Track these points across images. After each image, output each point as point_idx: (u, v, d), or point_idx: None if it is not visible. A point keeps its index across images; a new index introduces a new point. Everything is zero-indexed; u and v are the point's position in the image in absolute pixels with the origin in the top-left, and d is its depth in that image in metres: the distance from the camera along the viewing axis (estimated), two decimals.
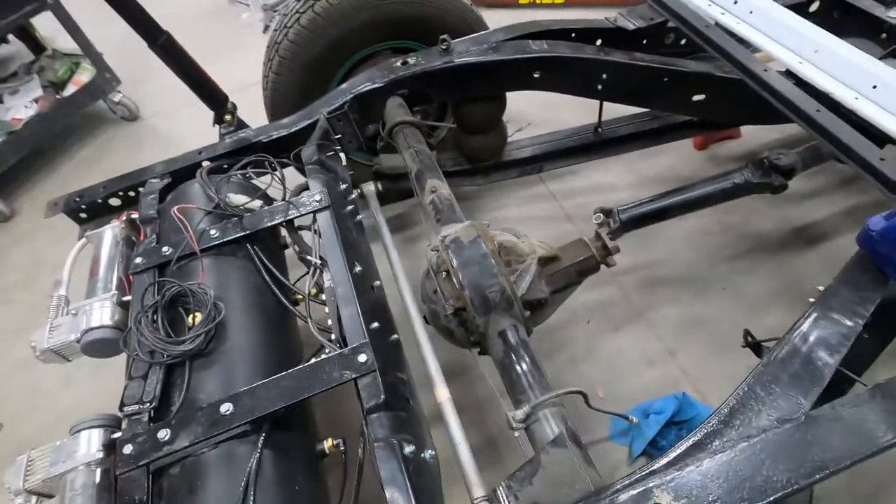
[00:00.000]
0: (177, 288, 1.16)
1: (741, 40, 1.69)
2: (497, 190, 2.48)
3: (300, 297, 1.34)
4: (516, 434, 1.19)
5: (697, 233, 2.20)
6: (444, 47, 1.68)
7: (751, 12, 1.73)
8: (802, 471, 0.78)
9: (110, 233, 1.45)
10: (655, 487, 0.80)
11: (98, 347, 1.25)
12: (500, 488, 0.99)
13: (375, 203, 1.87)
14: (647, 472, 0.83)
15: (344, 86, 1.70)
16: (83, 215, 1.68)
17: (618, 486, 0.82)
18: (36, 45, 3.22)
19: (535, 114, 2.78)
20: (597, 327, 1.98)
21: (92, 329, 1.24)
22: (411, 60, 1.68)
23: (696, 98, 1.76)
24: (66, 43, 3.15)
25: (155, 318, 1.13)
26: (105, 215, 1.70)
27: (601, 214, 1.73)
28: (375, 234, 1.80)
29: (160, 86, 2.93)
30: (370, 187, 1.93)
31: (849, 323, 0.95)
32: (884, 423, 0.81)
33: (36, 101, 2.89)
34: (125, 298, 1.27)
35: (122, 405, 1.05)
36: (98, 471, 1.02)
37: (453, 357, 1.90)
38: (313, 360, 1.07)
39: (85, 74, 3.01)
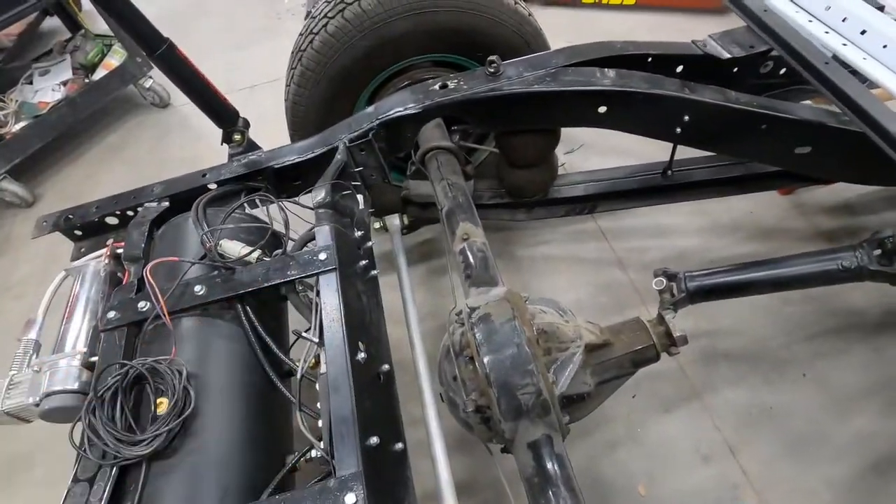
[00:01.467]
0: (140, 368, 0.96)
1: (865, 80, 1.34)
2: (539, 223, 2.20)
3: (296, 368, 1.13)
4: None
5: (774, 300, 1.85)
6: (491, 70, 1.40)
7: (885, 46, 1.37)
8: None
9: (92, 268, 1.27)
10: None
11: (60, 414, 1.07)
12: None
13: (398, 241, 1.64)
14: None
15: (370, 109, 1.45)
16: (78, 232, 1.52)
17: None
18: (73, 23, 3.12)
19: (588, 134, 2.47)
20: (643, 405, 1.70)
21: (54, 393, 1.06)
22: (451, 84, 1.42)
23: (800, 151, 1.43)
24: (101, 24, 3.03)
25: (113, 404, 0.93)
26: (103, 233, 1.53)
27: (663, 279, 1.43)
28: (392, 265, 1.57)
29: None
30: (395, 221, 1.70)
31: None
32: None
33: (64, 83, 2.79)
34: (93, 359, 1.09)
35: None
36: None
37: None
38: (286, 494, 0.85)
39: (116, 58, 2.88)
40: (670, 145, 1.55)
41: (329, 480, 0.84)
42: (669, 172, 1.72)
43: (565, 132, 2.41)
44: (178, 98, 3.18)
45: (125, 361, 0.98)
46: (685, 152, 1.74)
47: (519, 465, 1.09)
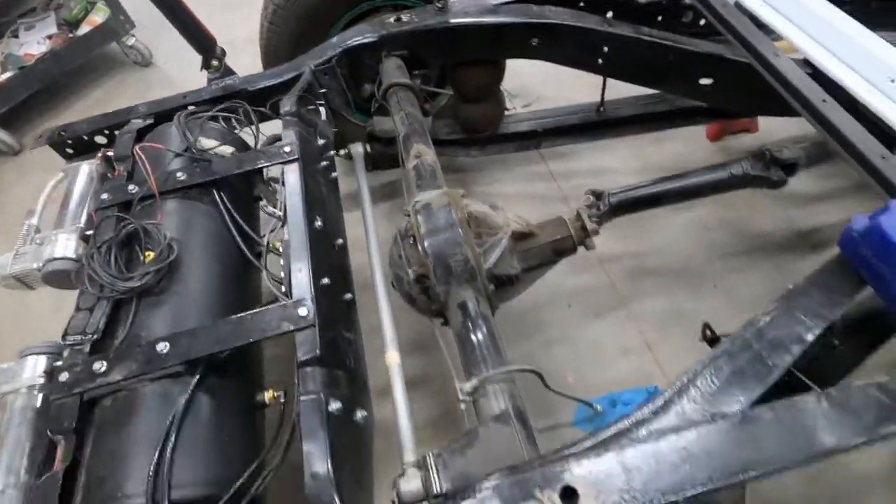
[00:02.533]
0: (132, 226, 1.15)
1: (762, 26, 1.58)
2: (495, 164, 2.41)
3: (264, 250, 1.33)
4: (462, 406, 1.17)
5: (695, 226, 2.11)
6: (440, 5, 1.61)
7: None
8: (726, 470, 0.74)
9: (86, 168, 1.45)
10: (567, 471, 0.77)
11: (59, 278, 1.26)
12: (430, 455, 0.97)
13: (361, 165, 1.84)
14: (566, 453, 0.80)
15: (334, 39, 1.64)
16: (70, 150, 1.69)
17: (534, 464, 0.79)
18: None
19: (546, 91, 2.68)
20: (577, 312, 1.94)
21: (54, 259, 1.24)
22: (405, 17, 1.62)
23: (704, 81, 1.66)
24: None
25: (108, 254, 1.13)
26: (92, 152, 1.70)
27: (591, 196, 1.66)
28: (358, 203, 1.76)
29: (174, 32, 2.92)
30: (358, 149, 1.90)
31: (809, 324, 0.89)
32: (824, 431, 0.76)
33: (49, 37, 2.91)
34: (89, 233, 1.28)
35: (64, 335, 1.06)
36: (39, 396, 1.04)
37: (423, 328, 1.88)
38: (254, 310, 1.05)
39: (99, 15, 3.01)
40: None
41: (287, 302, 1.05)
42: (602, 109, 1.94)
43: (526, 87, 2.63)
44: (160, 56, 3.32)
45: (124, 216, 1.17)
46: (621, 93, 1.98)
47: (451, 324, 1.31)
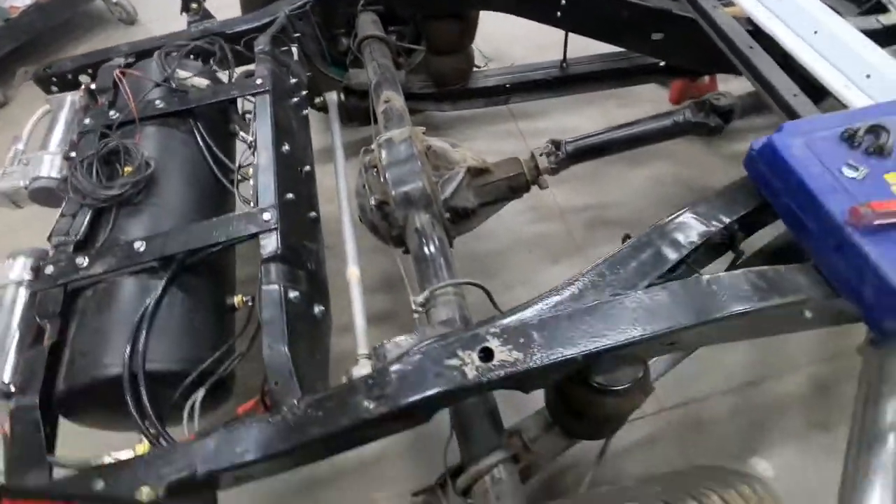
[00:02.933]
0: (113, 143, 1.26)
1: None
2: (467, 123, 2.52)
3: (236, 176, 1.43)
4: (416, 316, 1.30)
5: (652, 181, 2.24)
6: None
7: None
8: (620, 332, 0.88)
9: (70, 99, 1.54)
10: (487, 333, 0.90)
11: (44, 196, 1.36)
12: (381, 346, 1.09)
13: (334, 111, 1.94)
14: (487, 322, 0.93)
15: None
16: (55, 88, 1.77)
17: (459, 333, 0.92)
18: None
19: (523, 55, 2.78)
20: (536, 258, 2.07)
21: (39, 178, 1.34)
22: None
23: (655, 37, 1.78)
24: None
25: (90, 168, 1.23)
26: (75, 90, 1.78)
27: (550, 144, 1.78)
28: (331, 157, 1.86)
29: None
30: (333, 97, 2.00)
31: (704, 226, 1.02)
32: (707, 301, 0.90)
33: None
34: (73, 154, 1.37)
35: (50, 236, 1.16)
36: (27, 292, 1.15)
37: (388, 269, 2.00)
38: (225, 215, 1.17)
39: None
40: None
41: (253, 209, 1.16)
42: (565, 65, 2.06)
43: (496, 49, 2.71)
44: (145, 16, 3.36)
45: (106, 132, 1.27)
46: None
47: (410, 247, 1.44)
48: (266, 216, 1.14)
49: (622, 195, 2.21)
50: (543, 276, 2.02)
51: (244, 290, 1.35)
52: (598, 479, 1.30)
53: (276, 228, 1.12)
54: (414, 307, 1.28)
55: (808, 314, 0.98)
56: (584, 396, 1.02)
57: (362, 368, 1.14)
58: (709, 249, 1.11)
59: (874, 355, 1.24)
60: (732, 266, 1.24)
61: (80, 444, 1.05)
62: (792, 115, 1.24)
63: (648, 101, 2.56)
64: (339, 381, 1.03)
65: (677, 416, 1.66)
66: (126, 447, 0.98)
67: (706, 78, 2.45)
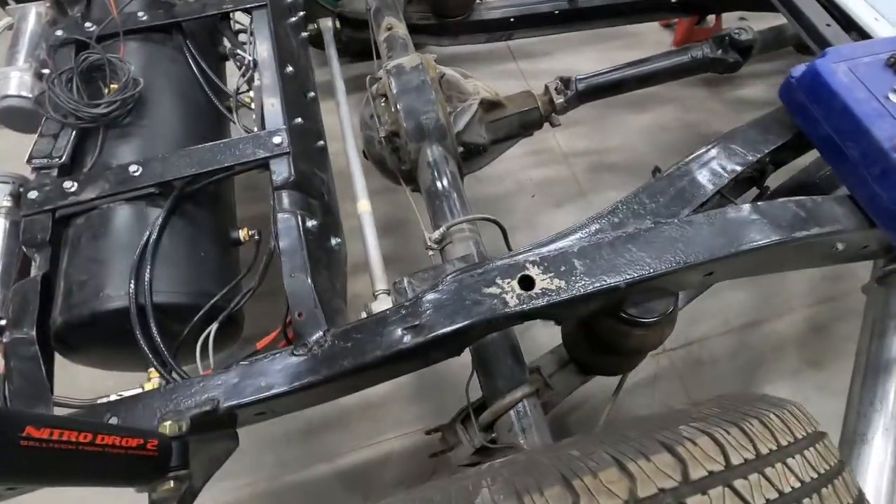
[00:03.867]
0: (95, 56, 1.12)
1: None
2: (465, 61, 2.39)
3: (233, 102, 1.31)
4: (430, 254, 1.25)
5: (655, 126, 2.20)
6: None
7: None
8: (664, 260, 0.85)
9: (35, 10, 1.36)
10: (527, 261, 0.86)
11: (15, 117, 1.21)
12: (401, 281, 1.04)
13: (329, 37, 1.79)
14: (525, 250, 0.89)
15: None
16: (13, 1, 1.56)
17: (495, 262, 0.87)
18: None
19: None
20: (540, 202, 2.03)
21: (9, 96, 1.19)
22: None
23: None
24: None
25: (70, 83, 1.09)
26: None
27: (559, 81, 1.70)
28: (328, 95, 1.73)
29: None
30: (327, 23, 1.84)
31: (741, 157, 0.99)
32: (748, 230, 0.87)
33: None
34: (45, 71, 1.22)
35: (30, 158, 1.04)
36: (7, 221, 1.04)
37: (392, 211, 1.94)
38: (226, 139, 1.06)
39: None
40: None
41: (260, 132, 1.06)
42: None
43: None
44: None
45: (86, 41, 1.12)
46: None
47: (421, 182, 1.36)
48: (277, 139, 1.04)
49: (626, 140, 2.17)
50: (546, 220, 1.98)
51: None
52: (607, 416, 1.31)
53: (287, 153, 1.03)
54: (429, 244, 1.22)
55: (839, 246, 0.97)
56: (613, 329, 1.00)
57: (382, 304, 1.09)
58: (738, 183, 1.09)
59: (880, 293, 1.27)
60: (757, 201, 1.22)
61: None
62: (823, 43, 1.19)
63: (650, 44, 2.49)
64: (357, 317, 0.99)
65: (679, 356, 1.69)
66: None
67: (711, 22, 2.38)
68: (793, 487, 0.58)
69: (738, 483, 0.56)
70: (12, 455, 0.49)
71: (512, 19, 2.02)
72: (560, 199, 2.03)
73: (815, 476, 0.62)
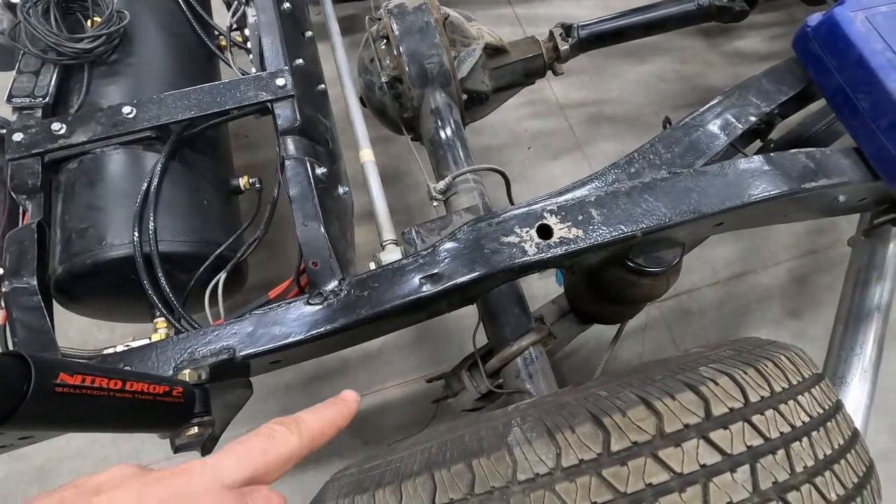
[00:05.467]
0: None
1: None
2: (459, 4, 2.28)
3: (223, 41, 1.23)
4: (435, 205, 1.23)
5: (652, 77, 2.17)
6: None
7: None
8: (679, 210, 0.85)
9: None
10: (544, 210, 0.85)
11: None
12: (409, 230, 1.02)
13: None
14: (542, 198, 0.88)
15: None
16: None
17: (512, 210, 0.87)
18: None
19: None
20: (536, 153, 2.01)
21: None
22: None
23: None
24: None
25: (46, 15, 1.00)
26: None
27: (561, 28, 1.64)
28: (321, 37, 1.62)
29: None
30: None
31: (754, 107, 0.99)
32: (759, 181, 0.88)
33: None
34: (15, 1, 1.11)
35: (10, 97, 0.97)
36: None
37: (390, 162, 1.90)
38: (224, 80, 1.00)
39: None
40: None
41: (262, 73, 1.00)
42: None
43: None
44: None
45: None
46: None
47: (423, 131, 1.32)
48: (280, 81, 0.99)
49: (623, 91, 2.14)
50: (543, 172, 1.97)
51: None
52: (596, 364, 1.37)
53: (292, 95, 0.98)
54: (434, 194, 1.21)
55: (842, 198, 1.00)
56: (620, 277, 1.02)
57: (390, 254, 1.08)
58: (746, 133, 1.09)
59: (866, 245, 1.32)
60: (760, 153, 1.23)
61: None
62: None
63: None
64: (366, 268, 0.98)
65: (668, 306, 1.75)
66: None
67: None
68: (803, 422, 0.62)
69: (756, 418, 0.59)
70: (48, 402, 0.49)
71: None
72: (556, 150, 2.01)
73: (821, 412, 0.66)
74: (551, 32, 1.52)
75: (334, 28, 1.51)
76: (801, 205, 0.99)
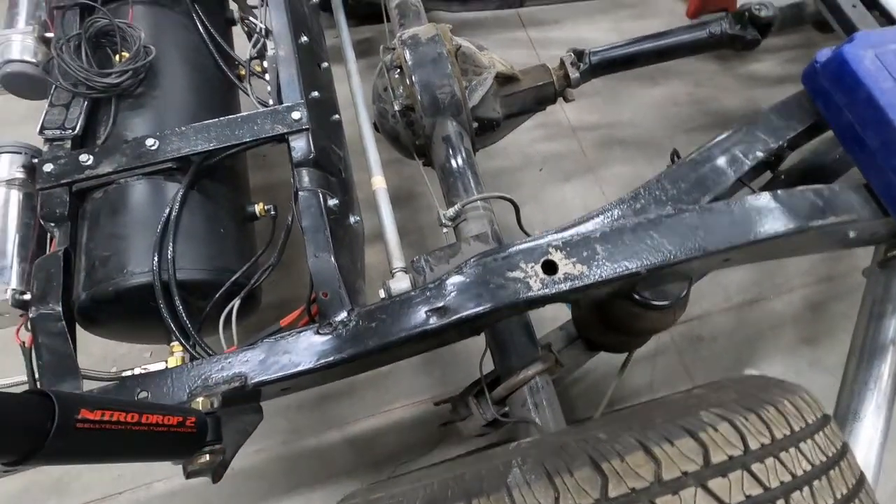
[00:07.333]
0: (103, 22, 1.08)
1: None
2: (475, 27, 2.33)
3: (242, 71, 1.28)
4: (444, 231, 1.25)
5: (665, 101, 2.18)
6: None
7: None
8: (684, 247, 0.86)
9: None
10: (549, 245, 0.87)
11: (19, 82, 1.18)
12: (419, 259, 1.05)
13: (338, 2, 1.73)
14: (547, 232, 0.90)
15: None
16: None
17: (515, 247, 0.88)
18: None
19: None
20: (548, 175, 2.02)
21: (12, 61, 1.15)
22: None
23: None
24: None
25: (78, 50, 1.06)
26: None
27: (572, 54, 1.66)
28: (337, 59, 1.67)
29: None
30: None
31: (762, 144, 0.99)
32: (766, 219, 0.89)
33: None
34: (48, 35, 1.18)
35: (41, 129, 1.02)
36: (20, 192, 1.03)
37: (401, 184, 1.93)
38: (242, 114, 1.04)
39: None
40: None
41: (278, 106, 1.04)
42: None
43: None
44: None
45: (93, 5, 1.08)
46: None
47: (435, 158, 1.35)
48: (296, 115, 1.02)
49: (635, 113, 2.14)
50: (554, 194, 1.99)
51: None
52: (605, 390, 1.37)
53: (307, 129, 1.02)
54: (443, 221, 1.23)
55: (851, 234, 0.99)
56: (626, 310, 1.03)
57: (400, 282, 1.10)
58: (755, 167, 1.09)
59: (881, 276, 1.30)
60: (770, 185, 1.23)
61: None
62: (848, 26, 1.18)
63: (663, 14, 2.43)
64: (375, 294, 1.00)
65: (679, 332, 1.74)
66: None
67: None
68: (804, 470, 0.62)
69: (756, 466, 0.59)
70: (70, 437, 0.51)
71: None
72: (568, 172, 2.02)
73: (824, 459, 0.65)
74: (562, 60, 1.54)
75: (350, 55, 1.56)
76: (811, 240, 0.99)
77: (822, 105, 1.05)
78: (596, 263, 0.85)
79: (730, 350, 1.71)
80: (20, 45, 1.16)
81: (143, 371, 0.92)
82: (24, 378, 0.90)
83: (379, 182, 1.28)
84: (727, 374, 1.69)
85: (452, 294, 0.85)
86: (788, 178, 1.29)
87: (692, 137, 2.11)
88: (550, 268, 0.86)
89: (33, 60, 1.17)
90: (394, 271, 1.14)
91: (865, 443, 1.14)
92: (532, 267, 0.85)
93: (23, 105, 1.26)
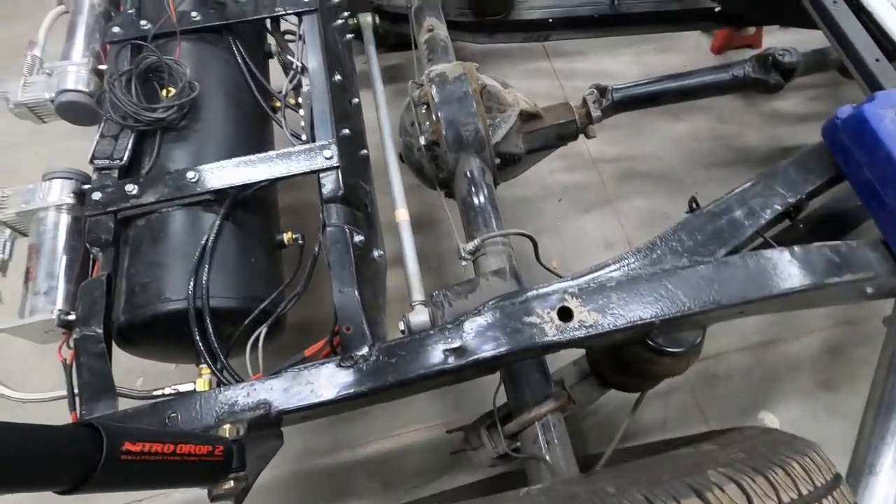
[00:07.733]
0: (153, 59, 1.15)
1: None
2: (499, 58, 2.39)
3: (278, 103, 1.34)
4: (463, 264, 1.29)
5: (687, 136, 2.19)
6: None
7: None
8: (699, 299, 0.88)
9: (88, 1, 1.39)
10: (566, 292, 0.90)
11: (73, 111, 1.25)
12: (436, 294, 1.08)
13: (369, 35, 1.80)
14: (563, 280, 0.92)
15: None
16: None
17: (532, 291, 0.91)
18: None
19: None
20: (567, 206, 2.05)
21: (67, 91, 1.23)
22: None
23: None
24: None
25: (128, 85, 1.13)
26: None
27: (595, 91, 1.70)
28: (365, 84, 1.73)
29: None
30: (367, 18, 1.85)
31: (782, 195, 1.01)
32: (782, 275, 0.90)
33: None
34: (101, 67, 1.26)
35: (92, 158, 1.09)
36: (70, 217, 1.10)
37: (423, 210, 1.97)
38: (279, 150, 1.10)
39: None
40: None
41: (311, 144, 1.10)
42: (616, 2, 1.92)
43: None
44: None
45: (143, 44, 1.15)
46: None
47: (457, 191, 1.40)
48: (327, 154, 1.08)
49: (656, 148, 2.17)
50: (573, 225, 2.01)
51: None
52: (618, 425, 1.37)
53: (337, 167, 1.07)
54: (463, 254, 1.26)
55: (869, 290, 1.00)
56: (640, 355, 1.05)
57: (419, 315, 1.14)
58: (773, 220, 1.11)
59: None
60: (788, 232, 1.24)
61: None
62: (871, 80, 1.19)
63: (686, 49, 2.46)
64: (393, 318, 1.04)
65: (694, 369, 1.72)
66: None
67: (752, 28, 2.34)
68: None
69: None
70: (115, 468, 0.56)
71: (551, 20, 2.01)
72: (588, 204, 2.05)
73: None
74: (584, 99, 1.58)
75: (379, 88, 1.62)
76: (827, 296, 1.00)
77: (842, 160, 1.06)
78: (611, 312, 0.87)
79: (745, 390, 1.70)
80: (75, 76, 1.25)
81: (173, 391, 0.97)
82: (62, 393, 0.96)
83: (402, 215, 1.32)
84: (742, 414, 1.68)
85: (470, 336, 0.89)
86: (807, 226, 1.30)
87: (713, 173, 2.12)
88: (566, 314, 0.88)
89: (86, 90, 1.25)
90: (413, 304, 1.18)
91: (880, 499, 1.13)
92: (548, 313, 0.88)
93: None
